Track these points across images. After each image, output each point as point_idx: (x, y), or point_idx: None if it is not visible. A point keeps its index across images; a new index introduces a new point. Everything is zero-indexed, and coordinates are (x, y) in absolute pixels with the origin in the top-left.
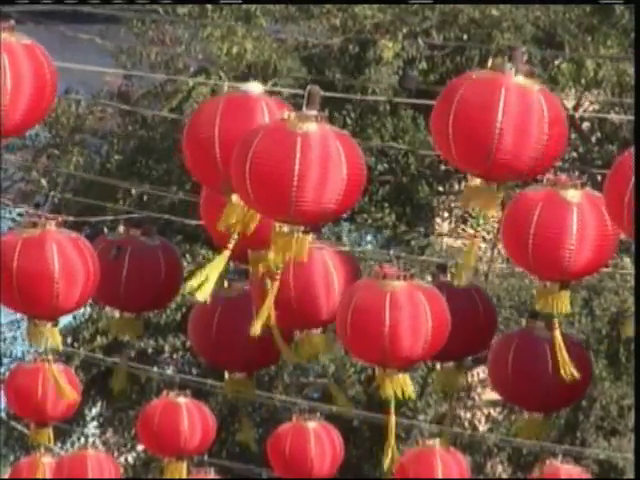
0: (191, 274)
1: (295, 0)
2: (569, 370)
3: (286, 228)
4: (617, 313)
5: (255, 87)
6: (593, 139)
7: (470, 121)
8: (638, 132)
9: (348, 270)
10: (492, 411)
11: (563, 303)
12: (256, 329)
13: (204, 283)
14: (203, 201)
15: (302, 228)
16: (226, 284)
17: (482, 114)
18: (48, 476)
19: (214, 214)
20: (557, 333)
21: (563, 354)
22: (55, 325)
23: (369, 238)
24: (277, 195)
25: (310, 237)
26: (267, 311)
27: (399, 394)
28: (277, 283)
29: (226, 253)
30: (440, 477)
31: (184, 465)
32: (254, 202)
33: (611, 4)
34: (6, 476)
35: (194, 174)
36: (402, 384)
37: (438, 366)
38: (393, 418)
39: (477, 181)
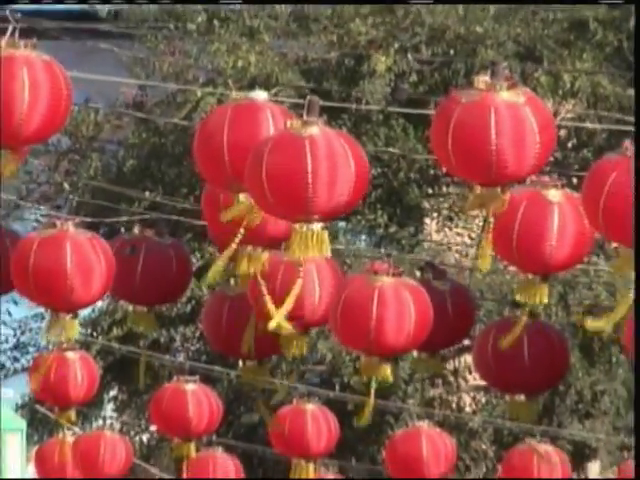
0: (200, 269)
1: (294, 0)
2: (508, 341)
3: (305, 227)
4: (590, 306)
5: (260, 95)
6: (569, 145)
7: (468, 143)
8: (638, 132)
9: (334, 277)
10: (477, 395)
11: (543, 294)
12: (271, 325)
13: (212, 270)
14: (204, 202)
15: (319, 225)
16: (233, 282)
17: (478, 135)
18: (70, 456)
19: (215, 213)
20: (524, 317)
21: (515, 332)
22: (74, 317)
23: (363, 237)
24: (294, 195)
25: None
26: (286, 308)
27: (379, 379)
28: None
29: (232, 246)
30: (425, 455)
31: (192, 445)
32: (273, 206)
33: (611, 4)
34: (32, 454)
35: (204, 175)
36: (383, 371)
37: (422, 355)
38: (372, 397)
39: (479, 187)
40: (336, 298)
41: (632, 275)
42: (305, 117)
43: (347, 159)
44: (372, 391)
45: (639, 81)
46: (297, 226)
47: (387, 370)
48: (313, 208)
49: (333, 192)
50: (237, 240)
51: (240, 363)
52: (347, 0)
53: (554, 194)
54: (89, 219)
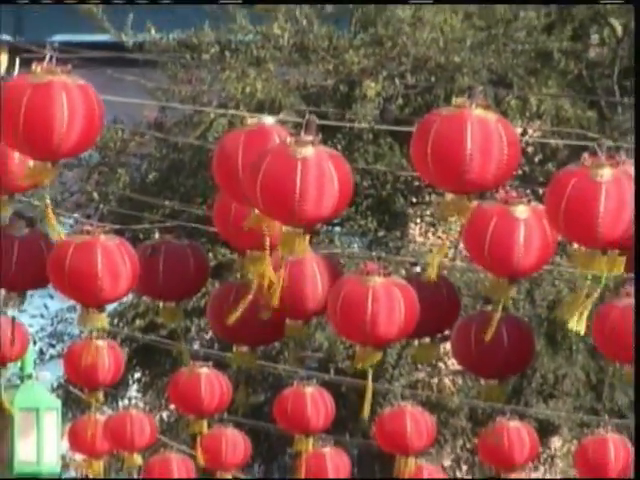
0: (214, 269)
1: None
2: (489, 335)
3: (291, 230)
4: (554, 301)
5: (269, 120)
6: (536, 160)
7: (444, 150)
8: (638, 134)
9: (331, 273)
10: (455, 378)
11: (508, 294)
12: (265, 315)
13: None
14: (216, 211)
15: (303, 231)
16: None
17: (453, 145)
18: (100, 431)
19: (226, 221)
20: (497, 314)
21: (493, 325)
22: (102, 311)
23: (356, 241)
24: (283, 207)
25: (308, 238)
26: (275, 301)
27: (372, 365)
28: (281, 277)
29: (267, 252)
30: (409, 430)
31: (204, 422)
32: (263, 209)
33: (611, 4)
34: (66, 430)
35: (224, 190)
36: (375, 359)
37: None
38: (370, 383)
39: (450, 195)
40: (335, 296)
41: (592, 271)
42: (303, 136)
43: (332, 180)
44: (369, 380)
45: (639, 82)
46: (284, 229)
47: (378, 357)
48: (299, 219)
49: (317, 209)
50: (268, 245)
51: (234, 348)
52: (348, 0)
53: (521, 210)
54: (116, 226)
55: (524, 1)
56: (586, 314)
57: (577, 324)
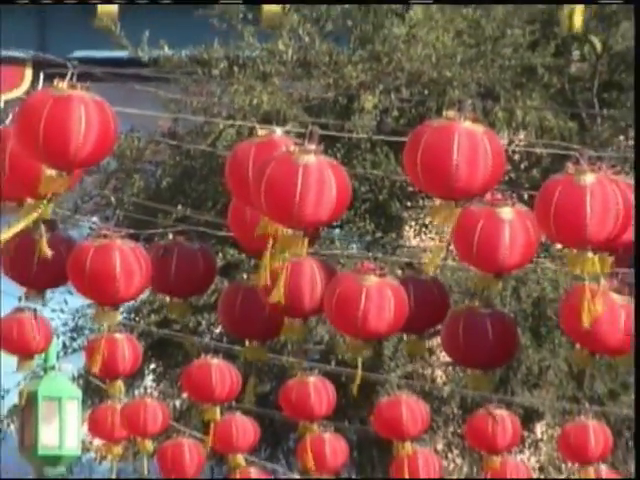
0: (222, 268)
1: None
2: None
3: (290, 232)
4: (538, 297)
5: (278, 131)
6: (522, 167)
7: (433, 159)
8: (638, 137)
9: (328, 274)
10: (446, 369)
11: (496, 288)
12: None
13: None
14: (231, 219)
15: (302, 233)
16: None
17: (442, 153)
18: (117, 418)
19: (241, 226)
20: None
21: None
22: (116, 309)
23: (355, 242)
24: (283, 210)
25: (307, 240)
26: (277, 298)
27: (363, 356)
28: (283, 277)
29: (268, 253)
30: (405, 417)
31: (217, 409)
32: (266, 211)
33: (611, 4)
34: (87, 417)
35: (235, 196)
36: (365, 350)
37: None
38: (359, 371)
39: (438, 201)
40: (331, 292)
41: (576, 271)
42: (306, 145)
43: (331, 186)
44: (359, 366)
45: (639, 84)
46: (285, 232)
47: (369, 349)
48: (298, 222)
49: (316, 210)
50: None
51: (246, 343)
52: (350, 0)
53: (506, 212)
54: (132, 230)
55: (523, 1)
56: (593, 312)
57: (587, 321)
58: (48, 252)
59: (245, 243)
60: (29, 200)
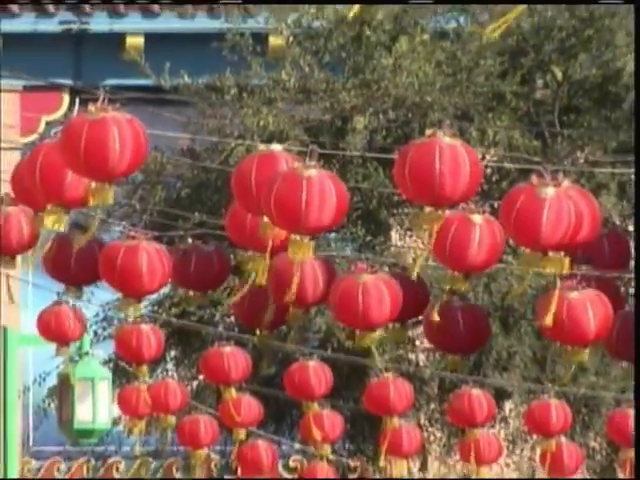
0: (234, 267)
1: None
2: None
3: (298, 237)
4: (506, 292)
5: (277, 147)
6: (493, 179)
7: (419, 171)
8: (638, 140)
9: (328, 272)
10: (428, 354)
11: (465, 285)
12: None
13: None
14: (229, 220)
15: (308, 238)
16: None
17: (426, 166)
18: (142, 397)
19: (238, 229)
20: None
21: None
22: (139, 302)
23: (348, 245)
24: (291, 218)
25: (313, 243)
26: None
27: (366, 345)
28: (297, 278)
29: (267, 254)
30: (392, 396)
31: (232, 390)
32: (276, 221)
33: (611, 4)
34: (116, 395)
35: (240, 203)
36: (371, 338)
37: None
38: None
39: (428, 208)
40: (334, 291)
41: (538, 269)
42: (307, 162)
43: (331, 196)
44: (374, 351)
45: (639, 85)
46: (293, 237)
47: (376, 337)
48: (304, 228)
49: (320, 217)
50: (269, 249)
51: (257, 332)
52: (349, 0)
53: (477, 217)
54: (156, 233)
55: (522, 1)
56: (553, 308)
57: (547, 319)
58: (81, 242)
59: (241, 244)
60: (49, 207)
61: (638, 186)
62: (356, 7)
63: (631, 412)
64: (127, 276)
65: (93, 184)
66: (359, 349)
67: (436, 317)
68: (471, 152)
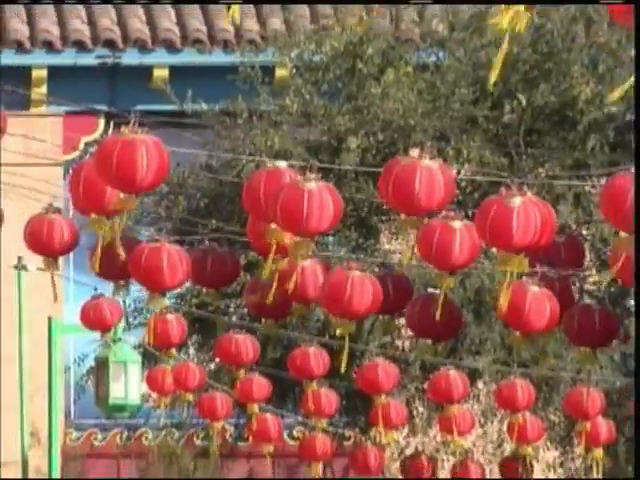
0: (245, 266)
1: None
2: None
3: (299, 239)
4: (479, 288)
5: (282, 163)
6: (467, 191)
7: (401, 186)
8: (638, 140)
9: (326, 271)
10: (412, 340)
11: (450, 282)
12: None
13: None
14: (249, 229)
15: (308, 239)
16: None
17: (407, 183)
18: (167, 376)
19: (255, 235)
20: (442, 295)
21: (439, 305)
22: (164, 296)
23: (343, 247)
24: (295, 224)
25: (312, 244)
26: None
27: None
28: (294, 275)
29: (271, 255)
30: (380, 377)
31: (243, 371)
32: (282, 226)
33: (611, 4)
34: (145, 375)
35: (250, 211)
36: (350, 327)
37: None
38: (347, 342)
39: (405, 215)
40: (325, 282)
41: (504, 268)
42: (307, 176)
43: (329, 204)
44: (347, 342)
45: (639, 87)
46: (295, 240)
47: (352, 326)
48: (306, 230)
49: (319, 223)
50: (274, 250)
51: (263, 321)
52: (347, 0)
53: (457, 224)
54: (178, 237)
55: (521, 1)
56: (507, 297)
57: (503, 303)
58: (122, 254)
59: (258, 248)
60: (93, 215)
61: (638, 186)
62: (364, 22)
63: (584, 390)
64: (150, 273)
65: (122, 195)
66: (351, 336)
67: (438, 312)
68: (447, 172)
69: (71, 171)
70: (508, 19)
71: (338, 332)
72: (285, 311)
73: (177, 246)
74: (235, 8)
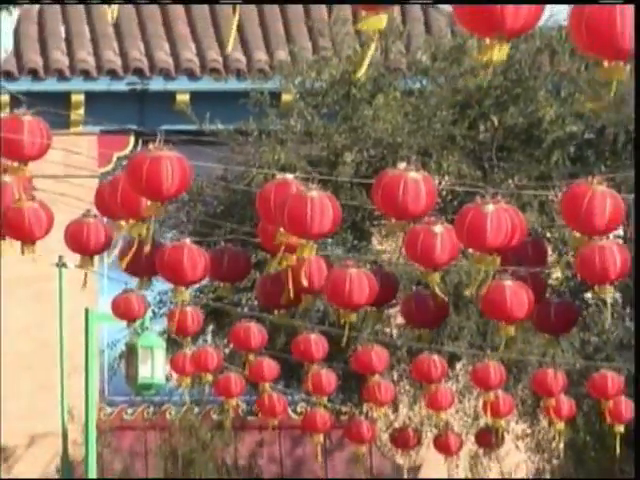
0: (255, 264)
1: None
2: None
3: (304, 241)
4: (458, 282)
5: (288, 176)
6: (447, 200)
7: (390, 196)
8: (638, 141)
9: (328, 268)
10: (400, 328)
11: (435, 278)
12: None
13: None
14: (261, 232)
15: (311, 241)
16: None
17: (394, 193)
18: (188, 360)
19: (266, 237)
20: (436, 289)
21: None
22: (187, 289)
23: (340, 248)
24: (299, 227)
25: (315, 246)
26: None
27: (348, 321)
28: (301, 270)
29: (280, 253)
30: (373, 360)
31: (253, 354)
32: (288, 229)
33: (611, 4)
34: (168, 359)
35: (262, 217)
36: (352, 316)
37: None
38: (347, 329)
39: (394, 220)
40: (328, 278)
41: (478, 266)
42: (310, 186)
43: (329, 211)
44: (347, 329)
45: (639, 88)
46: (301, 241)
47: (354, 316)
48: (310, 233)
49: (321, 226)
50: (282, 249)
51: (275, 312)
52: (345, 0)
53: (438, 228)
54: (198, 239)
55: (521, 1)
56: (477, 293)
57: (475, 292)
58: (147, 248)
59: (268, 248)
60: (130, 220)
61: (638, 188)
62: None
63: (549, 371)
64: (174, 269)
65: (149, 202)
66: (348, 324)
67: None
68: (429, 183)
69: (105, 183)
70: (489, 53)
71: (342, 320)
72: (295, 302)
73: (196, 246)
74: (230, 39)
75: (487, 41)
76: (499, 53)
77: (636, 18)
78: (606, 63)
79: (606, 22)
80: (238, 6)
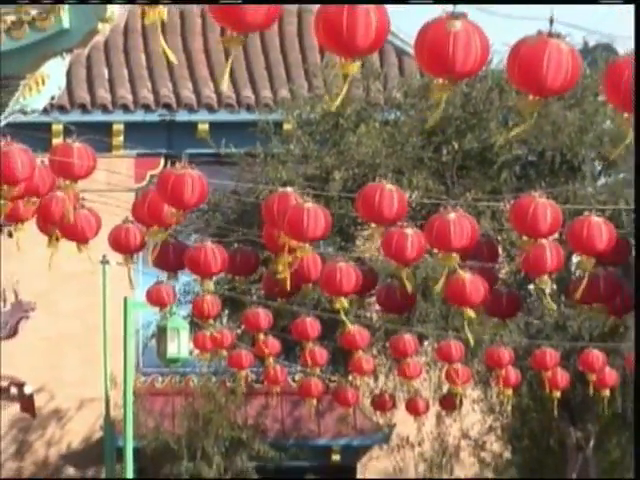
0: (262, 261)
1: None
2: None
3: (301, 243)
4: (425, 277)
5: (289, 189)
6: (417, 209)
7: (369, 204)
8: (638, 141)
9: (322, 262)
10: (378, 313)
11: (407, 273)
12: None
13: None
14: (265, 235)
15: (307, 244)
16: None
17: (372, 201)
18: (208, 340)
19: (271, 240)
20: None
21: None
22: (211, 279)
23: (330, 247)
24: (298, 232)
25: (311, 247)
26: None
27: (339, 307)
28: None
29: (284, 255)
30: (358, 339)
31: (262, 334)
32: (288, 234)
33: (611, 4)
34: (191, 338)
35: (266, 223)
36: (344, 302)
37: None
38: (342, 313)
39: (374, 225)
40: (322, 271)
41: (442, 264)
42: (305, 198)
43: (321, 219)
44: (342, 313)
45: (639, 89)
46: (299, 243)
47: (345, 302)
48: (307, 237)
49: (315, 232)
50: (287, 251)
51: (278, 300)
52: (344, 0)
53: (409, 231)
54: (216, 240)
55: (521, 1)
56: (442, 284)
57: (440, 288)
58: (156, 251)
59: (271, 248)
60: (155, 227)
61: (638, 189)
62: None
63: (499, 347)
64: (197, 265)
65: (173, 210)
66: (336, 309)
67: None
68: (401, 195)
69: (139, 197)
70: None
71: (337, 306)
72: (296, 291)
73: (215, 245)
74: (225, 78)
75: (440, 81)
76: (448, 91)
77: (636, 18)
78: (530, 97)
79: (535, 63)
80: (232, 54)
